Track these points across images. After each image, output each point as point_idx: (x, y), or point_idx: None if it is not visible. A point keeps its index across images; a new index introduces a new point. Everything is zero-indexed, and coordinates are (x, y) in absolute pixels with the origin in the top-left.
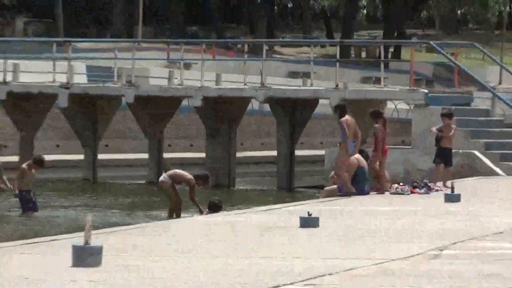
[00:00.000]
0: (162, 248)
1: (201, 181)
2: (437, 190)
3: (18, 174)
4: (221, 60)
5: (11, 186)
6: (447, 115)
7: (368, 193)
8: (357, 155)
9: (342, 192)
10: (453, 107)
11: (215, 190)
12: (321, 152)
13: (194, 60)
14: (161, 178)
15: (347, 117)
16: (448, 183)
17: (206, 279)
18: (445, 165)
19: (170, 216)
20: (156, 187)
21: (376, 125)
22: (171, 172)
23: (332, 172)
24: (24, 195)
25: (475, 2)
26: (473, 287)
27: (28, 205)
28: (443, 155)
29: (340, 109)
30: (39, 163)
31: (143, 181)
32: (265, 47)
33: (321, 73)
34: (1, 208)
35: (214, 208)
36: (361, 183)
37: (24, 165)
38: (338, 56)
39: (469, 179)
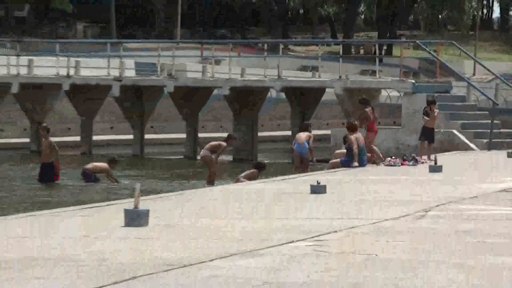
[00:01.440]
0: (198, 211)
1: (228, 141)
2: (422, 163)
3: (96, 168)
4: (245, 56)
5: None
6: (431, 102)
7: (365, 165)
8: (356, 135)
9: (345, 164)
10: (436, 94)
11: (240, 163)
12: (327, 131)
13: (222, 57)
14: (202, 154)
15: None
16: (432, 156)
17: (234, 235)
18: (429, 142)
19: (210, 184)
20: (201, 161)
21: (366, 109)
22: (207, 146)
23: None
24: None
25: (453, 7)
26: (452, 241)
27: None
28: (427, 134)
29: (364, 102)
30: (113, 161)
31: (182, 156)
32: (281, 46)
33: (326, 67)
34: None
35: (260, 166)
36: (361, 157)
37: (105, 164)
38: (341, 53)
39: (449, 153)
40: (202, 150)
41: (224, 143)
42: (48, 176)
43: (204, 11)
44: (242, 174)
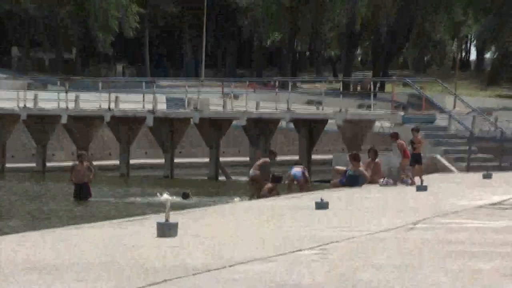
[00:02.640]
0: (220, 223)
1: (270, 156)
2: (411, 184)
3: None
4: (259, 92)
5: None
6: (416, 130)
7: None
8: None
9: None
10: (420, 124)
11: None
12: (330, 156)
13: (240, 93)
14: (252, 173)
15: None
16: (423, 177)
17: (251, 243)
18: (419, 165)
19: (261, 197)
20: (249, 181)
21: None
22: (255, 166)
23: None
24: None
25: (436, 51)
26: (437, 249)
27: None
28: (416, 158)
29: (393, 136)
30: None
31: (205, 177)
32: (290, 84)
33: (329, 102)
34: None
35: (277, 179)
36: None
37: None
38: (341, 89)
39: (433, 174)
40: (252, 170)
41: (267, 159)
42: (83, 194)
43: (224, 54)
44: (265, 187)
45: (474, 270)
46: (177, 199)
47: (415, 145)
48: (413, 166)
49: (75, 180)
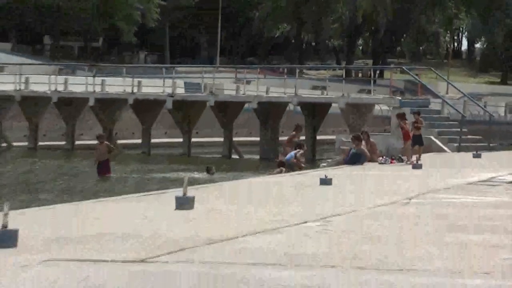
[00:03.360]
0: (232, 198)
1: (301, 147)
2: (407, 162)
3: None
4: (269, 78)
5: None
6: (417, 113)
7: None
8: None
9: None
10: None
11: (265, 161)
12: (333, 137)
13: (252, 78)
14: (288, 157)
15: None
16: (421, 156)
17: (261, 217)
18: (419, 146)
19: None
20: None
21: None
22: (287, 152)
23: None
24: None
25: (431, 41)
26: (429, 222)
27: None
28: (417, 140)
29: (400, 115)
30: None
31: (220, 155)
32: (297, 70)
33: (332, 87)
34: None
35: (282, 164)
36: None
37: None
38: (343, 76)
39: (428, 154)
40: (289, 154)
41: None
42: (103, 171)
43: (238, 43)
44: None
45: (463, 242)
46: (199, 175)
47: (417, 124)
48: (413, 147)
49: (96, 158)
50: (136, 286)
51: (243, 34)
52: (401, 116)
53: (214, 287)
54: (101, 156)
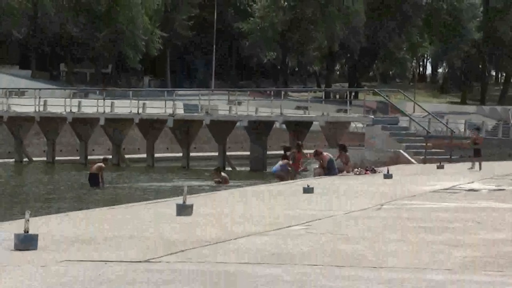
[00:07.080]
0: (225, 205)
1: (297, 149)
2: (379, 172)
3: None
4: (258, 100)
5: None
6: (476, 128)
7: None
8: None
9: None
10: (387, 126)
11: (253, 173)
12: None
13: (243, 100)
14: (274, 169)
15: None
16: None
17: (250, 221)
18: (478, 156)
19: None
20: (280, 177)
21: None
22: (283, 164)
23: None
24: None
25: (399, 66)
26: (398, 224)
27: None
28: (476, 152)
29: (340, 147)
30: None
31: (214, 168)
32: (283, 92)
33: (313, 107)
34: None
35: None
36: (333, 169)
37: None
38: (323, 97)
39: (397, 165)
40: (284, 168)
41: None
42: (95, 182)
43: (230, 68)
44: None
45: (428, 241)
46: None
47: (476, 141)
48: (474, 157)
49: (92, 170)
50: (141, 281)
51: (234, 61)
52: (342, 148)
53: (212, 282)
54: (94, 170)
